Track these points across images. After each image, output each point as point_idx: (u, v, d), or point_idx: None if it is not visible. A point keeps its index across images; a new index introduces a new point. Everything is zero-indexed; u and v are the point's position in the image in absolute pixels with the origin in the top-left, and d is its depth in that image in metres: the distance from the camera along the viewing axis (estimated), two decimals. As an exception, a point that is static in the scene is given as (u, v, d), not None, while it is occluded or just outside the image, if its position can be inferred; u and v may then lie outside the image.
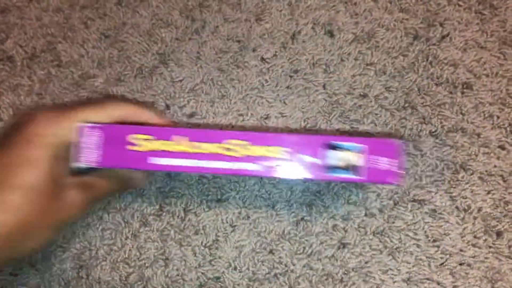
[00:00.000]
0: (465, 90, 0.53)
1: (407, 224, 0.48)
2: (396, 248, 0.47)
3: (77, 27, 0.57)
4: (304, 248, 0.48)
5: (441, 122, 0.52)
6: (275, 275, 0.47)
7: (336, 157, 0.35)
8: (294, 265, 0.47)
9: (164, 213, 0.49)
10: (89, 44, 0.57)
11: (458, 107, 0.53)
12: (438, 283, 0.46)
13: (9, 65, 0.56)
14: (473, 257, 0.47)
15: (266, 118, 0.53)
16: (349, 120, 0.52)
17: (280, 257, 0.48)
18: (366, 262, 0.47)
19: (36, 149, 0.34)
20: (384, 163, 0.35)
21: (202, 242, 0.49)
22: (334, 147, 0.35)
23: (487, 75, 0.54)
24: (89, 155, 0.36)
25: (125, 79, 0.55)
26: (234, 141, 0.36)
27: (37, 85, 0.55)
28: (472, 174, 0.50)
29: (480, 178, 0.50)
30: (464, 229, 0.48)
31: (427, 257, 0.47)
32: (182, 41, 0.56)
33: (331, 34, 0.56)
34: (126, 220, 0.49)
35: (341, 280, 0.47)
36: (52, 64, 0.56)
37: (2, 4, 0.59)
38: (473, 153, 0.51)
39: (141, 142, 0.36)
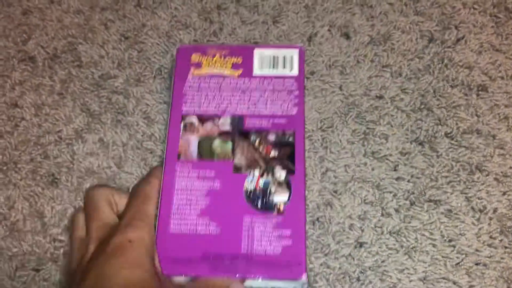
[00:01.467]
0: (480, 92, 0.54)
1: (423, 224, 0.49)
2: (412, 248, 0.48)
3: (97, 29, 0.58)
4: (321, 247, 0.48)
5: (456, 124, 0.53)
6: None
7: None
8: (311, 263, 0.48)
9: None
10: (109, 45, 0.58)
11: (473, 109, 0.53)
12: (454, 283, 0.47)
13: (31, 66, 0.57)
14: (489, 257, 0.47)
15: (283, 119, 0.53)
16: (365, 121, 0.53)
17: (297, 256, 0.48)
18: (382, 261, 0.48)
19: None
20: None
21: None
22: None
23: (502, 78, 0.54)
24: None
25: (144, 79, 0.56)
26: None
27: (58, 85, 0.56)
28: (487, 175, 0.50)
29: (495, 179, 0.50)
30: (480, 229, 0.48)
31: (443, 256, 0.48)
32: (200, 43, 0.57)
33: (347, 36, 0.57)
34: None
35: (358, 279, 0.47)
36: (72, 65, 0.57)
37: (24, 5, 0.60)
38: (488, 154, 0.51)
39: None
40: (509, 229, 0.48)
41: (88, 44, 0.58)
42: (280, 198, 0.38)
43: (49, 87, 0.56)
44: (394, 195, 0.50)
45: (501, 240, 0.48)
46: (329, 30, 0.57)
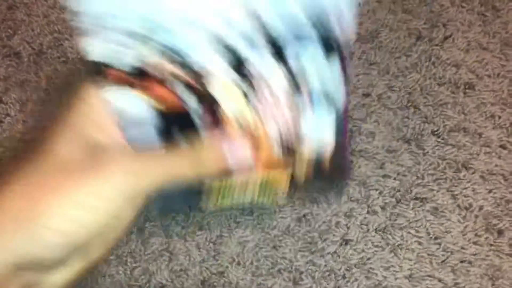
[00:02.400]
0: (467, 91, 0.54)
1: (409, 222, 0.49)
2: (398, 245, 0.48)
3: (84, 24, 0.58)
4: (307, 244, 0.48)
5: (443, 122, 0.53)
6: (279, 270, 0.47)
7: None
8: (297, 261, 0.48)
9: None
10: (96, 41, 0.57)
11: (460, 107, 0.53)
12: (440, 280, 0.47)
13: (16, 61, 0.57)
14: (474, 254, 0.47)
15: (270, 116, 0.53)
16: (352, 119, 0.53)
17: (283, 253, 0.48)
18: (368, 259, 0.48)
19: None
20: None
21: (206, 238, 0.49)
22: None
23: (489, 76, 0.54)
24: None
25: (131, 76, 0.56)
26: None
27: (43, 81, 0.56)
28: (473, 173, 0.50)
29: (481, 177, 0.50)
30: (465, 227, 0.48)
31: (428, 254, 0.48)
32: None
33: (335, 33, 0.57)
34: (131, 215, 0.50)
35: (344, 276, 0.47)
36: (59, 61, 0.56)
37: (9, 0, 0.59)
38: (474, 152, 0.51)
39: None
40: (495, 227, 0.48)
41: (74, 40, 0.57)
42: None
43: (34, 83, 0.56)
44: (380, 193, 0.50)
45: (486, 238, 0.48)
46: (317, 27, 0.57)
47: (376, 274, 0.47)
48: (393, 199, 0.50)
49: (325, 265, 0.48)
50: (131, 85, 0.26)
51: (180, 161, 0.28)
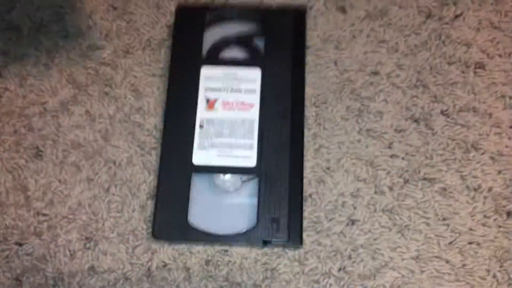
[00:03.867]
0: (477, 70, 0.53)
1: (417, 202, 0.48)
2: (405, 226, 0.47)
3: (85, -2, 0.56)
4: (313, 224, 0.47)
5: (453, 101, 0.51)
6: (284, 249, 0.47)
7: None
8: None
9: (171, 186, 0.49)
10: (97, 15, 0.56)
11: (470, 86, 0.52)
12: (447, 262, 0.46)
13: (15, 35, 0.55)
14: (483, 236, 0.47)
15: (276, 94, 0.52)
16: (360, 98, 0.52)
17: (288, 233, 0.47)
18: (375, 239, 0.47)
19: None
20: None
21: (210, 216, 0.48)
22: None
23: (500, 55, 0.53)
24: None
25: (133, 51, 0.54)
26: None
27: (43, 56, 0.54)
28: (483, 153, 0.49)
29: (491, 158, 0.49)
30: (474, 208, 0.48)
31: (436, 235, 0.47)
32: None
33: (343, 10, 0.55)
34: (133, 192, 0.49)
35: (350, 257, 0.46)
36: (59, 35, 0.55)
37: (8, -28, 0.57)
38: (484, 132, 0.50)
39: None
40: (504, 209, 0.48)
41: (75, 14, 0.56)
42: None
43: (34, 57, 0.54)
44: (388, 173, 0.49)
45: (495, 219, 0.47)
46: (324, 3, 0.55)
47: (383, 255, 0.46)
48: (401, 179, 0.49)
49: (331, 245, 0.47)
50: None
51: None
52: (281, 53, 0.51)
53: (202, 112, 0.49)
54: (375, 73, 0.53)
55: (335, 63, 0.53)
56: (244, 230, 0.46)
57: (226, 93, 0.50)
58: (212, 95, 0.50)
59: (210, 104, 0.49)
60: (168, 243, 0.47)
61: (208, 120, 0.49)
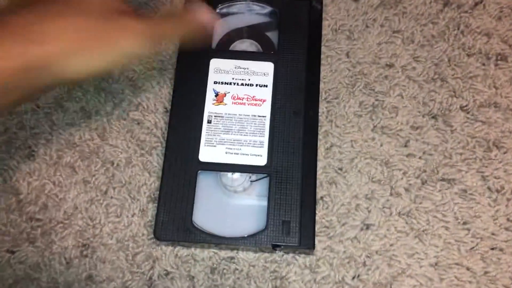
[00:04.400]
0: (499, 62, 0.49)
1: (435, 205, 0.45)
2: (423, 231, 0.44)
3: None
4: (325, 229, 0.45)
5: (473, 96, 0.48)
6: (294, 256, 0.44)
7: None
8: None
9: (173, 189, 0.46)
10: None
11: (491, 80, 0.49)
12: (468, 269, 0.43)
13: (4, 25, 0.51)
14: (506, 241, 0.44)
15: (284, 88, 0.49)
16: (374, 92, 0.49)
17: (298, 238, 0.44)
18: (391, 245, 0.44)
19: None
20: None
21: (215, 221, 0.45)
22: None
23: (523, 46, 0.50)
24: None
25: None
26: None
27: (34, 48, 0.51)
28: (505, 152, 0.46)
29: (514, 157, 0.46)
30: (496, 211, 0.45)
31: (456, 240, 0.44)
32: (193, 3, 0.52)
33: (355, -2, 0.52)
34: (132, 195, 0.46)
35: (364, 264, 0.43)
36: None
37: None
38: (507, 129, 0.47)
39: None
40: (528, 211, 0.45)
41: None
42: None
43: (24, 49, 0.51)
44: (404, 173, 0.46)
45: (519, 223, 0.44)
46: (335, -9, 0.52)
47: (400, 262, 0.44)
48: (418, 180, 0.46)
49: (344, 252, 0.44)
50: None
51: (173, 23, 0.40)
52: (296, 46, 0.47)
53: (210, 107, 0.46)
54: (390, 65, 0.49)
55: (347, 54, 0.50)
56: (252, 233, 0.43)
57: (236, 87, 0.46)
58: (221, 89, 0.46)
59: (219, 97, 0.46)
60: (171, 244, 0.44)
61: (217, 115, 0.46)
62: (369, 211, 0.45)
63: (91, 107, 0.49)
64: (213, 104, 0.46)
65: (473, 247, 0.44)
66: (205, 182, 0.45)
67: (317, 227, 0.44)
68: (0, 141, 0.48)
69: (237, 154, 0.45)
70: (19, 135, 0.48)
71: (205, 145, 0.45)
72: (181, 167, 0.44)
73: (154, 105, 0.49)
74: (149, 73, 0.49)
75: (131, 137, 0.48)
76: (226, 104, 0.46)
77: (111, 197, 0.46)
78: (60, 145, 0.48)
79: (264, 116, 0.46)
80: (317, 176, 0.45)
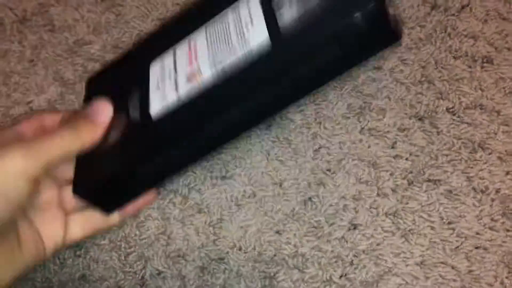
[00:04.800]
0: (485, 64, 0.50)
1: (421, 205, 0.46)
2: (409, 230, 0.45)
3: (71, -11, 0.53)
4: (313, 229, 0.45)
5: (459, 98, 0.49)
6: (283, 257, 0.45)
7: None
8: (302, 246, 0.45)
9: (165, 190, 0.47)
10: (84, 7, 0.53)
11: (477, 82, 0.50)
12: (453, 267, 0.44)
13: (-2, 29, 0.52)
14: (490, 240, 0.45)
15: (273, 91, 0.50)
16: (362, 95, 0.49)
17: (287, 238, 0.45)
18: (377, 244, 0.45)
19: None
20: None
21: (205, 221, 0.46)
22: None
23: (508, 49, 0.51)
24: None
25: (123, 46, 0.52)
26: None
27: (28, 51, 0.51)
28: (490, 153, 0.47)
29: (499, 158, 0.47)
30: (481, 211, 0.46)
31: (441, 240, 0.45)
32: (183, 6, 0.52)
33: (344, 1, 0.53)
34: (125, 197, 0.47)
35: (351, 263, 0.44)
36: (44, 29, 0.52)
37: (-11, -38, 0.54)
38: (492, 131, 0.48)
39: None
40: (512, 211, 0.46)
41: (61, 6, 0.53)
42: None
43: (18, 53, 0.51)
44: (391, 174, 0.47)
45: (503, 223, 0.45)
46: (324, -6, 0.53)
47: (386, 261, 0.45)
48: (405, 181, 0.47)
49: (332, 251, 0.45)
50: None
51: (67, 137, 0.31)
52: None
53: None
54: (378, 68, 0.50)
55: (336, 58, 0.51)
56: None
57: None
58: None
59: None
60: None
61: None
62: (357, 212, 0.46)
63: (84, 110, 0.50)
64: None
65: (457, 246, 0.45)
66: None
67: (305, 227, 0.45)
68: None
69: None
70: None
71: None
72: None
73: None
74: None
75: (124, 139, 0.49)
76: None
77: (104, 199, 0.47)
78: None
79: None
80: (305, 177, 0.46)
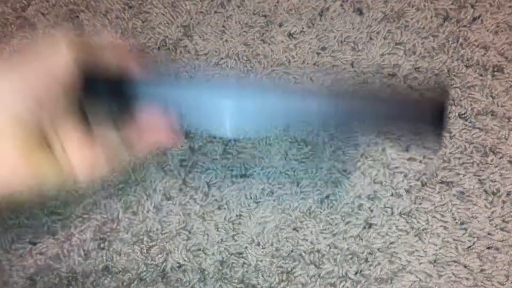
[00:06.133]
0: (496, 73, 0.52)
1: (434, 206, 0.47)
2: (423, 230, 0.47)
3: (101, -4, 0.56)
4: (329, 226, 0.47)
5: (470, 105, 0.51)
6: (300, 253, 0.46)
7: None
8: (319, 243, 0.46)
9: (187, 187, 0.49)
10: (113, 14, 0.55)
11: (488, 90, 0.52)
12: (465, 266, 0.45)
13: (30, 33, 0.55)
14: (502, 241, 0.46)
15: (292, 95, 0.52)
16: (377, 99, 0.51)
17: (304, 235, 0.47)
18: (392, 243, 0.46)
19: None
20: None
21: (225, 217, 0.48)
22: None
23: (518, 59, 0.53)
24: None
25: (148, 50, 0.54)
26: None
27: (58, 54, 0.54)
28: (501, 157, 0.49)
29: (509, 162, 0.49)
30: (492, 212, 0.47)
31: (454, 239, 0.46)
32: (207, 14, 0.55)
33: (360, 12, 0.55)
34: (148, 193, 0.48)
35: (366, 260, 0.46)
36: (74, 33, 0.55)
37: (24, -30, 0.57)
38: (503, 136, 0.50)
39: None
40: (523, 213, 0.47)
41: (90, 13, 0.56)
42: None
43: (49, 55, 0.54)
44: (405, 176, 0.49)
45: (514, 224, 0.47)
46: (341, 5, 0.55)
47: (400, 259, 0.46)
48: (419, 182, 0.48)
49: (348, 248, 0.46)
50: None
51: None
52: None
53: None
54: (393, 75, 0.52)
55: (352, 64, 0.53)
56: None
57: None
58: None
59: None
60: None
61: None
62: (372, 211, 0.47)
63: (110, 109, 0.52)
64: None
65: (470, 246, 0.46)
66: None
67: (321, 224, 0.47)
68: (24, 140, 0.51)
69: None
70: (42, 134, 0.51)
71: None
72: None
73: (170, 108, 0.52)
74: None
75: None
76: None
77: (128, 194, 0.49)
78: (81, 145, 0.50)
79: None
80: (322, 177, 0.48)
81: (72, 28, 0.55)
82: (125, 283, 0.46)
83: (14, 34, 0.55)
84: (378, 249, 0.46)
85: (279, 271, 0.46)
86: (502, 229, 0.46)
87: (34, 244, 0.47)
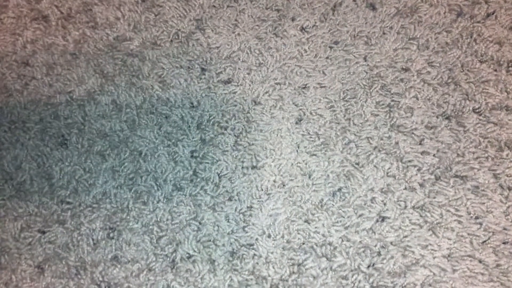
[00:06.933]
0: (510, 69, 0.52)
1: (448, 200, 0.47)
2: (437, 224, 0.46)
3: (114, -10, 0.56)
4: (341, 219, 0.46)
5: (485, 99, 0.50)
6: (311, 245, 0.45)
7: None
8: (331, 236, 0.46)
9: (198, 178, 0.48)
10: (126, 7, 0.56)
11: (502, 84, 0.51)
12: (480, 261, 0.45)
13: (43, 25, 0.55)
14: (517, 236, 0.45)
15: (304, 88, 0.51)
16: (390, 93, 0.51)
17: (316, 228, 0.46)
18: (405, 236, 0.46)
19: None
20: None
21: (236, 208, 0.47)
22: None
23: (533, 54, 0.52)
24: None
25: (161, 43, 0.54)
26: None
27: (71, 45, 0.54)
28: (517, 152, 0.48)
29: (525, 156, 0.48)
30: (508, 207, 0.46)
31: (469, 234, 0.45)
32: (219, 8, 0.55)
33: (373, 7, 0.55)
34: (158, 183, 0.48)
35: (379, 253, 0.45)
36: (87, 25, 0.55)
37: (38, -36, 0.58)
38: (518, 131, 0.49)
39: None
40: (539, 209, 0.46)
41: (103, 5, 0.56)
42: None
43: (62, 46, 0.54)
44: (419, 169, 0.48)
45: (530, 219, 0.46)
46: (354, 0, 0.55)
47: (413, 252, 0.45)
48: (432, 176, 0.48)
49: (360, 241, 0.46)
50: None
51: None
52: None
53: None
54: (406, 69, 0.52)
55: (365, 58, 0.53)
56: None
57: None
58: None
59: None
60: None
61: None
62: (385, 204, 0.47)
63: (122, 100, 0.52)
64: None
65: (485, 241, 0.45)
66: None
67: (334, 217, 0.46)
68: (35, 129, 0.51)
69: None
70: (53, 124, 0.51)
71: None
72: None
73: (181, 100, 0.51)
74: (178, 71, 0.52)
75: (159, 129, 0.50)
76: None
77: (138, 184, 0.48)
78: (92, 135, 0.50)
79: None
80: (335, 169, 0.48)
81: (85, 21, 0.55)
82: (134, 273, 0.45)
83: (28, 26, 0.55)
84: (391, 243, 0.45)
85: (290, 263, 0.45)
86: (518, 224, 0.46)
87: (43, 232, 0.47)
